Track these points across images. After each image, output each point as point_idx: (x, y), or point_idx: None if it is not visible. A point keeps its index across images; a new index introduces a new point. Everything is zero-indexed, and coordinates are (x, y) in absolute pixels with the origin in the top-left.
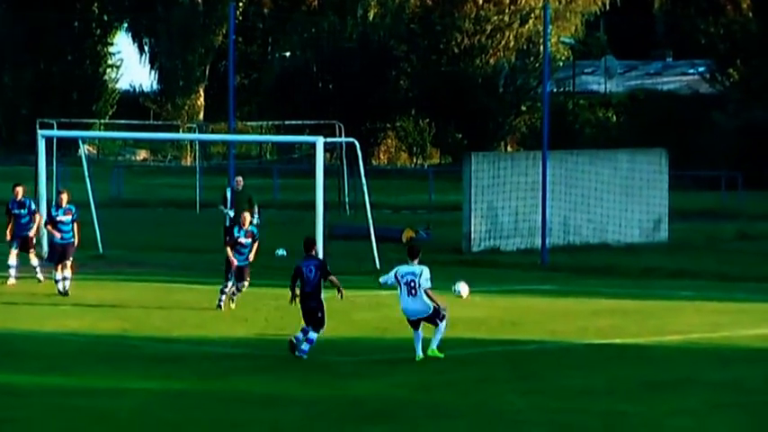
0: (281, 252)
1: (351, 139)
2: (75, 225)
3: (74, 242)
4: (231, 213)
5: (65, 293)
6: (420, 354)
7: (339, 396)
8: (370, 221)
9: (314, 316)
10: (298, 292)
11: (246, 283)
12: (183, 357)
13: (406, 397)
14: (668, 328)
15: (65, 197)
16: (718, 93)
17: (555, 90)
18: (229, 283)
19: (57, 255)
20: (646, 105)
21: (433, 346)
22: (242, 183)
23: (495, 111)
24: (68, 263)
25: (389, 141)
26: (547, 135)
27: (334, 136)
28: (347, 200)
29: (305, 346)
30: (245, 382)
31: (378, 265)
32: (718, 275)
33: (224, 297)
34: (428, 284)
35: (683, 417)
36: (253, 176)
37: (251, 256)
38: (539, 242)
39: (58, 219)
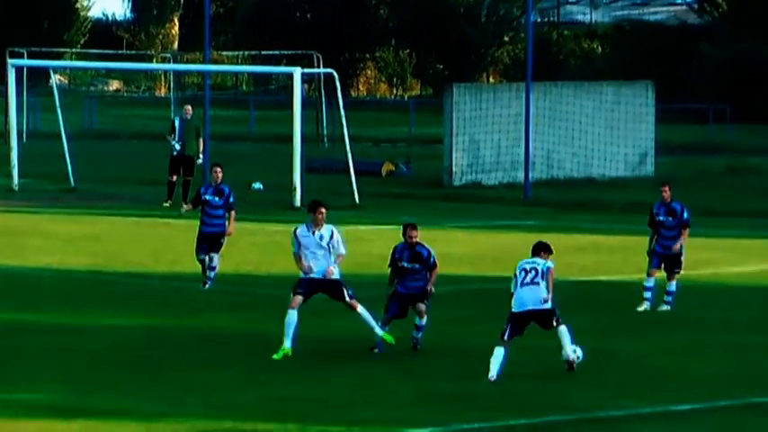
0: (257, 185)
1: (329, 70)
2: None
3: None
4: (178, 146)
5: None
6: None
7: (317, 334)
8: (349, 154)
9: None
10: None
11: (217, 258)
12: (158, 294)
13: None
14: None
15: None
16: (706, 24)
17: (539, 20)
18: (202, 257)
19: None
20: (632, 36)
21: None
22: (191, 112)
23: (478, 41)
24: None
25: (369, 72)
26: (530, 66)
27: (312, 66)
28: (325, 132)
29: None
30: (222, 319)
31: (357, 200)
32: (705, 211)
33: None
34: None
35: (667, 356)
36: (229, 108)
37: (229, 225)
38: (521, 176)
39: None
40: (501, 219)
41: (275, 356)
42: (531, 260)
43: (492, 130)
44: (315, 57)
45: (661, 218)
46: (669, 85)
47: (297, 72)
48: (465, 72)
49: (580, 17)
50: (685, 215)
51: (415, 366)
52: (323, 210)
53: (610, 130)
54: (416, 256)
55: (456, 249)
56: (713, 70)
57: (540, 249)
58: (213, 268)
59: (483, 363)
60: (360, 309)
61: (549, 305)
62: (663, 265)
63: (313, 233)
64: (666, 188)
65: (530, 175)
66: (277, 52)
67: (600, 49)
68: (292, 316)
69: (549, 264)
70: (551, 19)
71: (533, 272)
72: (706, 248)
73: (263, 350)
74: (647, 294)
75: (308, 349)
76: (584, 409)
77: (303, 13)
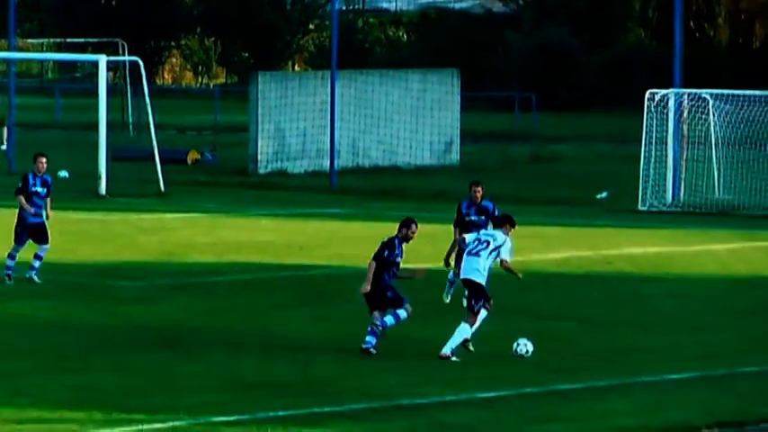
0: (63, 174)
1: (134, 58)
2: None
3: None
4: None
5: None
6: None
7: (122, 322)
8: (155, 142)
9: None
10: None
11: (47, 247)
12: None
13: (191, 323)
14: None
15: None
16: (511, 12)
17: (344, 8)
18: (20, 248)
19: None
20: (438, 24)
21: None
22: None
23: (283, 29)
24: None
25: (174, 60)
26: (335, 54)
27: (118, 54)
28: (131, 120)
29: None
30: (28, 307)
31: (162, 188)
32: (511, 198)
33: (13, 264)
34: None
35: (477, 341)
36: (34, 96)
37: (48, 211)
38: (327, 164)
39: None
40: (307, 207)
41: None
42: (491, 232)
43: (298, 119)
44: (120, 45)
45: (473, 218)
46: (475, 73)
47: (102, 60)
48: (270, 60)
49: (385, 5)
50: (497, 213)
51: (220, 355)
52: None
53: (415, 119)
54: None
55: (262, 237)
56: (519, 58)
57: (506, 221)
58: (41, 258)
59: (287, 350)
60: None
61: (479, 279)
62: None
63: None
64: (480, 188)
65: (335, 164)
66: (83, 40)
67: (405, 37)
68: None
69: (507, 242)
70: (357, 6)
71: (485, 244)
72: (512, 236)
73: (69, 338)
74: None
75: (114, 338)
76: (389, 397)
77: (108, 0)
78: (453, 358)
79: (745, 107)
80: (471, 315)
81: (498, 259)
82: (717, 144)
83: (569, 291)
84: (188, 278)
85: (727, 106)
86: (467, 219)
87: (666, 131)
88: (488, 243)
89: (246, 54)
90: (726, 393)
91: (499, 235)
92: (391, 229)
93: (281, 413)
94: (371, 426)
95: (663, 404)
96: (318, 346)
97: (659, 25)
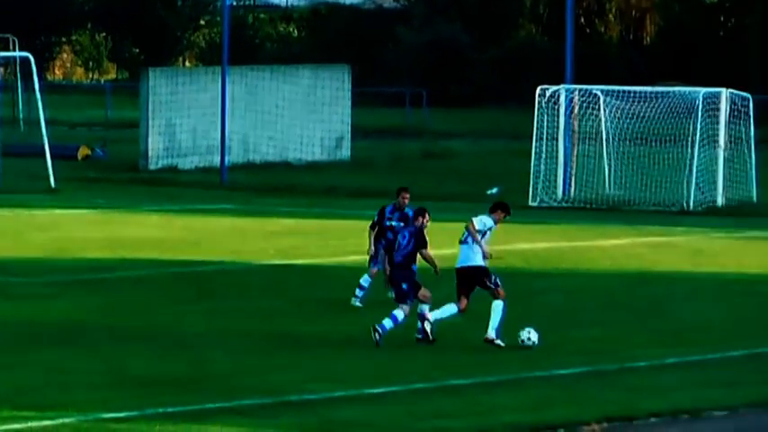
0: None
1: (25, 54)
2: None
3: None
4: None
5: None
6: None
7: (14, 319)
8: (45, 138)
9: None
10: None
11: None
12: None
13: (84, 320)
14: (349, 248)
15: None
16: (402, 7)
17: (234, 3)
18: None
19: None
20: (329, 20)
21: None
22: None
23: (174, 24)
24: None
25: (65, 56)
26: (226, 50)
27: (8, 50)
28: (21, 116)
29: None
30: None
31: (53, 184)
32: None
33: None
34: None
35: (362, 339)
36: None
37: None
38: (218, 160)
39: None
40: (197, 203)
41: None
42: (477, 218)
43: (188, 115)
44: (11, 40)
45: (393, 223)
46: (366, 68)
47: None
48: (161, 56)
49: (276, 0)
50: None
51: (111, 350)
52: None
53: (306, 114)
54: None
55: (152, 233)
56: (410, 54)
57: (497, 208)
58: None
59: (178, 345)
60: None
61: (475, 262)
62: None
63: None
64: (408, 195)
65: (226, 159)
66: None
67: (296, 32)
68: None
69: (475, 218)
70: (247, 2)
71: (466, 230)
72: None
73: None
74: (360, 293)
75: (6, 335)
76: (278, 393)
77: None
78: (499, 342)
79: (636, 103)
80: (496, 292)
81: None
82: (607, 140)
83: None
84: (80, 274)
85: (618, 102)
86: (387, 223)
87: (557, 127)
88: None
89: (137, 50)
90: (615, 388)
91: (476, 219)
92: (281, 224)
93: (170, 409)
94: (261, 422)
95: (552, 399)
96: (209, 342)
97: (550, 21)
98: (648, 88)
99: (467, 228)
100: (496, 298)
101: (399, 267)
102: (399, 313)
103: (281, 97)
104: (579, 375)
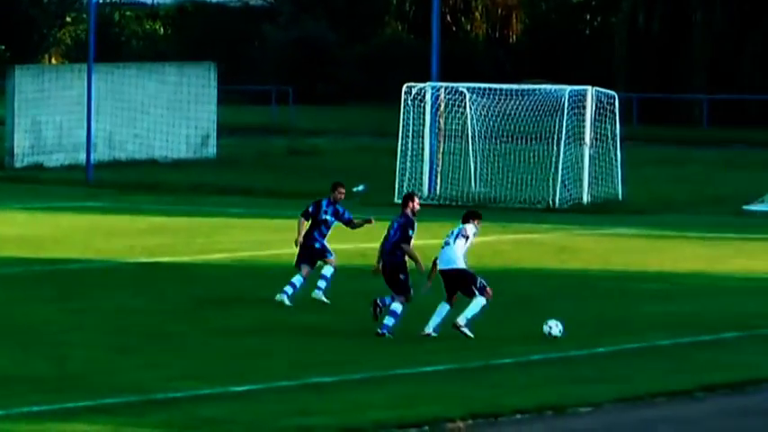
0: None
1: None
2: None
3: None
4: None
5: None
6: None
7: None
8: None
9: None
10: None
11: None
12: None
13: None
14: (216, 246)
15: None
16: (268, 5)
17: (101, 1)
18: None
19: None
20: (195, 18)
21: None
22: None
23: (41, 21)
24: None
25: None
26: (92, 47)
27: None
28: None
29: (388, 321)
30: None
31: None
32: (268, 192)
33: None
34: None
35: (231, 335)
36: None
37: None
38: (83, 158)
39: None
40: (63, 200)
41: None
42: (459, 227)
43: (54, 112)
44: None
45: (327, 217)
46: (232, 66)
47: None
48: (27, 53)
49: None
50: (347, 215)
51: None
52: None
53: (172, 112)
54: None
55: (18, 231)
56: (276, 52)
57: (470, 217)
58: None
59: (43, 344)
60: None
61: (457, 265)
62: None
63: None
64: (343, 190)
65: (92, 157)
66: None
67: (162, 30)
68: None
69: (466, 226)
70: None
71: (451, 234)
72: (268, 229)
73: None
74: (289, 289)
75: None
76: (144, 391)
77: None
78: (466, 331)
79: (502, 101)
80: (482, 293)
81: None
82: (473, 137)
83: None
84: None
85: (484, 100)
86: (322, 216)
87: (423, 125)
88: (452, 233)
89: (3, 47)
90: (480, 385)
91: (468, 227)
92: (148, 222)
93: (35, 408)
94: (126, 420)
95: (418, 396)
96: (73, 341)
97: (416, 19)
98: (514, 86)
99: (452, 231)
100: (483, 296)
101: (390, 255)
102: (398, 306)
103: (146, 95)
104: (445, 372)
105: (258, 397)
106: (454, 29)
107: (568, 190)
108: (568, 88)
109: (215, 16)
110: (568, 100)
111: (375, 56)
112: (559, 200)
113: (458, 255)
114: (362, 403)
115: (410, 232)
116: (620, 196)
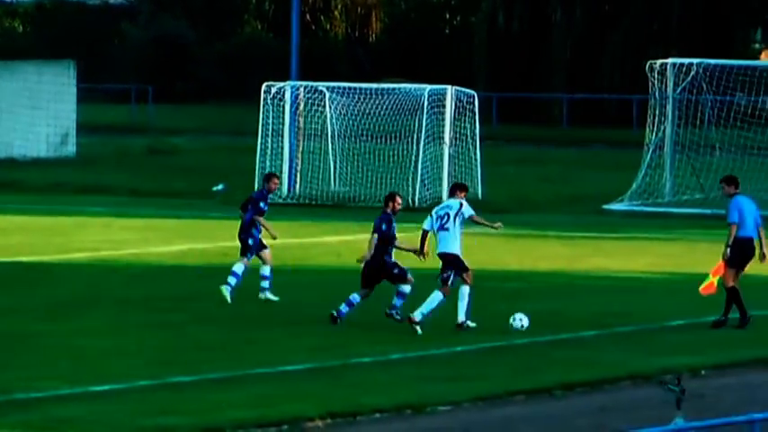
0: None
1: None
2: None
3: None
4: None
5: None
6: None
7: None
8: None
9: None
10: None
11: None
12: None
13: None
14: (75, 245)
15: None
16: (128, 4)
17: None
18: None
19: None
20: (54, 15)
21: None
22: None
23: None
24: None
25: None
26: None
27: None
28: None
29: (397, 301)
30: None
31: None
32: (127, 191)
33: None
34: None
35: (90, 335)
36: None
37: None
38: None
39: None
40: None
41: None
42: (444, 204)
43: None
44: None
45: (266, 208)
46: (92, 64)
47: None
48: None
49: None
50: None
51: None
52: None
53: (31, 110)
54: None
55: None
56: (135, 50)
57: (456, 189)
58: None
59: None
60: None
61: (454, 250)
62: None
63: None
64: (278, 182)
65: None
66: None
67: (21, 27)
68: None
69: (461, 201)
70: None
71: (446, 217)
72: (128, 228)
73: None
74: (265, 284)
75: None
76: (4, 391)
77: None
78: (418, 328)
79: (362, 100)
80: (444, 285)
81: (467, 218)
82: (333, 136)
83: (187, 283)
84: None
85: (344, 99)
86: (259, 206)
87: (283, 124)
88: (447, 215)
89: None
90: (339, 384)
91: (452, 202)
92: (8, 221)
93: None
94: None
95: (278, 396)
96: None
97: (276, 18)
98: (374, 85)
99: (446, 215)
100: (440, 290)
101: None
102: (406, 288)
103: (5, 93)
104: (303, 372)
105: (118, 397)
106: (314, 28)
107: (428, 189)
108: (428, 87)
109: (74, 14)
110: (428, 99)
111: (234, 55)
112: (419, 199)
113: (454, 239)
114: (222, 402)
115: (384, 227)
116: (479, 195)
